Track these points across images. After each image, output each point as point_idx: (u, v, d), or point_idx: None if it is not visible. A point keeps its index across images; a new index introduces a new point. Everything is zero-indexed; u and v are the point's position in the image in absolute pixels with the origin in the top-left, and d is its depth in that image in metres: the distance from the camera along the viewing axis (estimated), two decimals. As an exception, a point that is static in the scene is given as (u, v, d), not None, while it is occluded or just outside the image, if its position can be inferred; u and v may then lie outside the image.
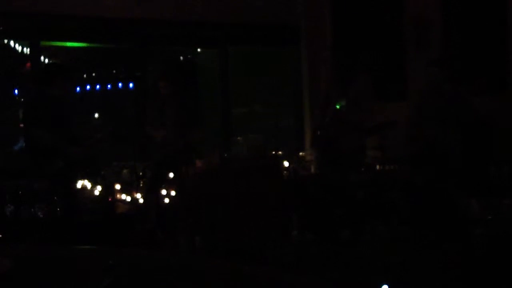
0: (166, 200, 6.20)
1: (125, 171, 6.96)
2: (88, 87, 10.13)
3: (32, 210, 5.29)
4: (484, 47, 6.90)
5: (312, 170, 6.84)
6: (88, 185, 6.26)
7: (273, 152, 7.77)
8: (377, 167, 6.18)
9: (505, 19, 6.78)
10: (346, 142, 5.38)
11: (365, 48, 8.04)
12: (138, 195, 6.43)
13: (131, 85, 9.98)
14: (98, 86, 10.26)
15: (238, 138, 8.35)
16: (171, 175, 6.19)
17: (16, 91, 9.27)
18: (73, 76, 5.34)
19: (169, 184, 6.23)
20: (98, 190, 6.25)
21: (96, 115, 10.53)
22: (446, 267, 4.04)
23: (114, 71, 10.33)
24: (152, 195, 6.07)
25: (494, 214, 4.88)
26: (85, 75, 10.19)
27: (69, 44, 8.10)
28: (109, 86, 10.21)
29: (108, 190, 6.34)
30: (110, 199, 6.27)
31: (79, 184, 6.14)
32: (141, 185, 6.59)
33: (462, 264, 4.06)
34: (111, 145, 6.27)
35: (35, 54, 7.53)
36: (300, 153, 8.03)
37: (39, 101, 5.20)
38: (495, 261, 4.04)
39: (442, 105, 5.72)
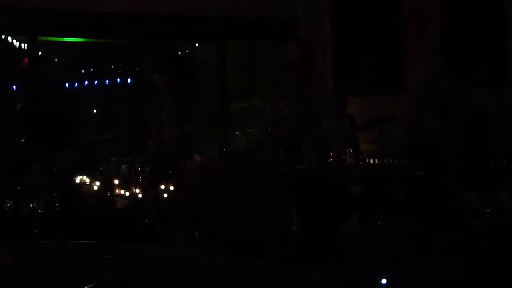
0: (165, 195, 6.20)
1: (123, 166, 6.96)
2: (86, 82, 10.12)
3: (31, 205, 5.29)
4: (483, 40, 6.90)
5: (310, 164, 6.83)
6: (87, 180, 6.27)
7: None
8: (376, 160, 6.18)
9: (504, 11, 6.77)
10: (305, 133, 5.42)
11: (364, 41, 8.03)
12: (137, 190, 6.42)
13: (129, 80, 9.96)
14: (96, 82, 10.25)
15: (237, 132, 8.36)
16: (170, 170, 6.19)
17: (14, 86, 9.25)
18: (50, 61, 5.07)
19: (168, 179, 6.23)
20: (97, 185, 6.25)
21: (95, 111, 10.53)
22: (445, 260, 4.04)
23: (112, 67, 10.31)
24: (151, 190, 6.07)
25: (492, 206, 4.89)
26: (83, 71, 10.17)
27: (66, 39, 8.08)
28: (107, 81, 10.20)
29: (107, 185, 6.34)
30: (109, 194, 6.28)
31: (78, 180, 6.15)
32: (139, 180, 6.59)
33: (461, 256, 4.07)
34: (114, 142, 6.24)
35: (32, 49, 7.51)
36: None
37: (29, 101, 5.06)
38: (493, 253, 4.04)
39: (441, 97, 5.71)
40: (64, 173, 5.23)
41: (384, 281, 3.61)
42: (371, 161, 6.31)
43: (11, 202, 5.30)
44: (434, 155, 5.62)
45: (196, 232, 5.00)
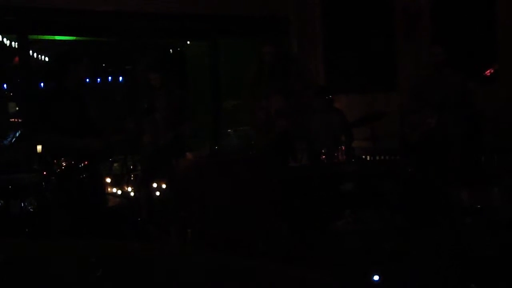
0: (158, 193, 6.19)
1: (116, 164, 6.94)
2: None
3: (22, 204, 5.26)
4: (474, 36, 6.91)
5: (302, 161, 6.85)
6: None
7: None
8: (368, 157, 6.19)
9: (493, 8, 6.79)
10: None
11: (355, 38, 8.05)
12: (129, 189, 6.41)
13: (121, 78, 9.95)
14: (87, 80, 10.22)
15: (229, 130, 8.37)
16: (163, 168, 6.18)
17: (4, 85, 9.22)
18: (86, 61, 4.81)
19: (160, 177, 6.22)
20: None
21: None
22: (436, 256, 4.06)
23: (104, 65, 10.29)
24: (143, 189, 6.06)
25: (483, 202, 4.91)
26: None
27: (58, 37, 8.05)
28: (99, 79, 10.19)
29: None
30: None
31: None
32: (132, 178, 6.58)
33: (453, 253, 4.08)
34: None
35: (23, 48, 7.48)
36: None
37: (52, 96, 4.78)
38: (484, 249, 4.06)
39: (443, 89, 5.61)
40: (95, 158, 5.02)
41: (376, 277, 3.62)
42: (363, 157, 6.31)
43: (1, 201, 5.28)
44: (435, 150, 5.57)
45: (188, 230, 5.00)
